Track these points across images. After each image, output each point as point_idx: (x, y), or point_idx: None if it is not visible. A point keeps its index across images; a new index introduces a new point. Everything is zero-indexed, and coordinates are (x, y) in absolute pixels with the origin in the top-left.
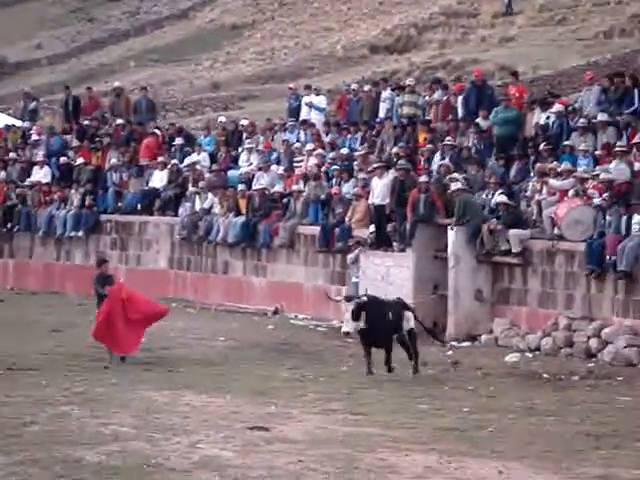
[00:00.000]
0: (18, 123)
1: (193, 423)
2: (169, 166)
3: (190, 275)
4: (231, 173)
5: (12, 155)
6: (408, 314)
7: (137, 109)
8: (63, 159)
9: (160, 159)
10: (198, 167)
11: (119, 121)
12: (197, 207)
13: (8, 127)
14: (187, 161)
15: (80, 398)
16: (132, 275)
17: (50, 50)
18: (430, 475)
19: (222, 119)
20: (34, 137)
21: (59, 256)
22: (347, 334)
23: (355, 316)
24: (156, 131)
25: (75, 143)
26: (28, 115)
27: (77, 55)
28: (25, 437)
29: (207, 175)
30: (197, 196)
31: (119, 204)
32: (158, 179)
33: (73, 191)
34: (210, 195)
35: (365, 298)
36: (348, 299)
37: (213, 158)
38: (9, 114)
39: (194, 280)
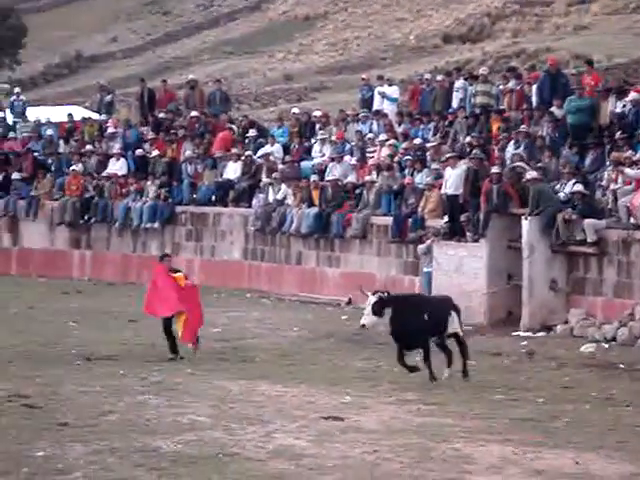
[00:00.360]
0: (95, 116)
1: (268, 413)
2: (243, 158)
3: (264, 266)
4: (304, 164)
5: (89, 148)
6: (454, 315)
7: (211, 101)
8: (139, 151)
9: (234, 151)
10: (271, 158)
11: (194, 113)
12: (270, 198)
13: (85, 120)
14: (260, 152)
15: (157, 388)
16: (207, 266)
17: (125, 43)
18: (506, 466)
19: (295, 110)
20: (110, 130)
21: (135, 247)
22: (363, 326)
23: (375, 311)
24: (232, 127)
25: (150, 135)
26: (104, 108)
27: (152, 48)
28: (103, 426)
29: (280, 166)
30: (270, 187)
31: (194, 196)
32: (232, 171)
33: (149, 183)
34: (283, 186)
35: (387, 294)
36: (374, 293)
37: (286, 149)
38: (86, 107)
39: (268, 271)
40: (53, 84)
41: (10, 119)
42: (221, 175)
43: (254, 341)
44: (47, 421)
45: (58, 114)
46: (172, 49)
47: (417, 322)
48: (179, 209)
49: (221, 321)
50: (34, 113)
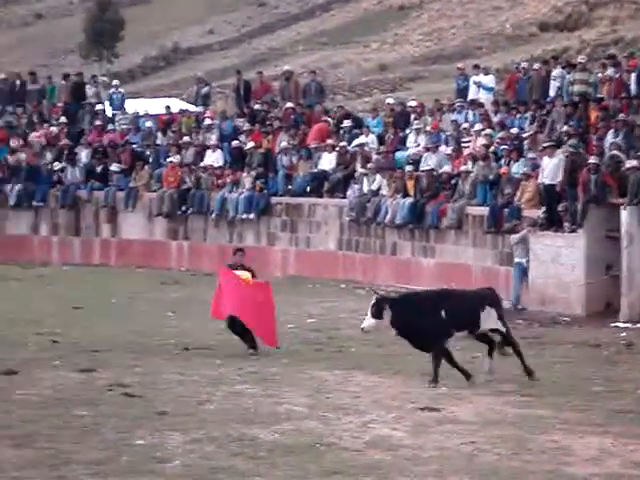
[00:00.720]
0: (191, 108)
1: (364, 403)
2: (337, 148)
3: (359, 256)
4: (399, 154)
5: (186, 139)
6: (489, 311)
7: (306, 92)
8: (235, 143)
9: (329, 141)
10: (366, 149)
11: (289, 104)
12: (365, 189)
13: (182, 112)
14: (355, 143)
15: (254, 377)
16: (302, 257)
17: (221, 35)
18: (605, 458)
19: (390, 100)
20: (207, 121)
21: (232, 238)
22: (362, 330)
23: (374, 313)
24: (328, 119)
25: (246, 127)
26: (201, 100)
27: (248, 40)
28: (201, 415)
29: (375, 157)
30: (365, 178)
31: (289, 187)
32: (327, 161)
33: (245, 174)
34: (378, 176)
35: (383, 293)
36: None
37: (381, 140)
38: (182, 99)
39: (363, 261)
40: (150, 76)
41: (109, 112)
42: (316, 166)
43: (349, 331)
44: (146, 410)
45: (155, 106)
46: (267, 40)
47: (423, 321)
48: (274, 200)
49: (316, 311)
50: (132, 105)
